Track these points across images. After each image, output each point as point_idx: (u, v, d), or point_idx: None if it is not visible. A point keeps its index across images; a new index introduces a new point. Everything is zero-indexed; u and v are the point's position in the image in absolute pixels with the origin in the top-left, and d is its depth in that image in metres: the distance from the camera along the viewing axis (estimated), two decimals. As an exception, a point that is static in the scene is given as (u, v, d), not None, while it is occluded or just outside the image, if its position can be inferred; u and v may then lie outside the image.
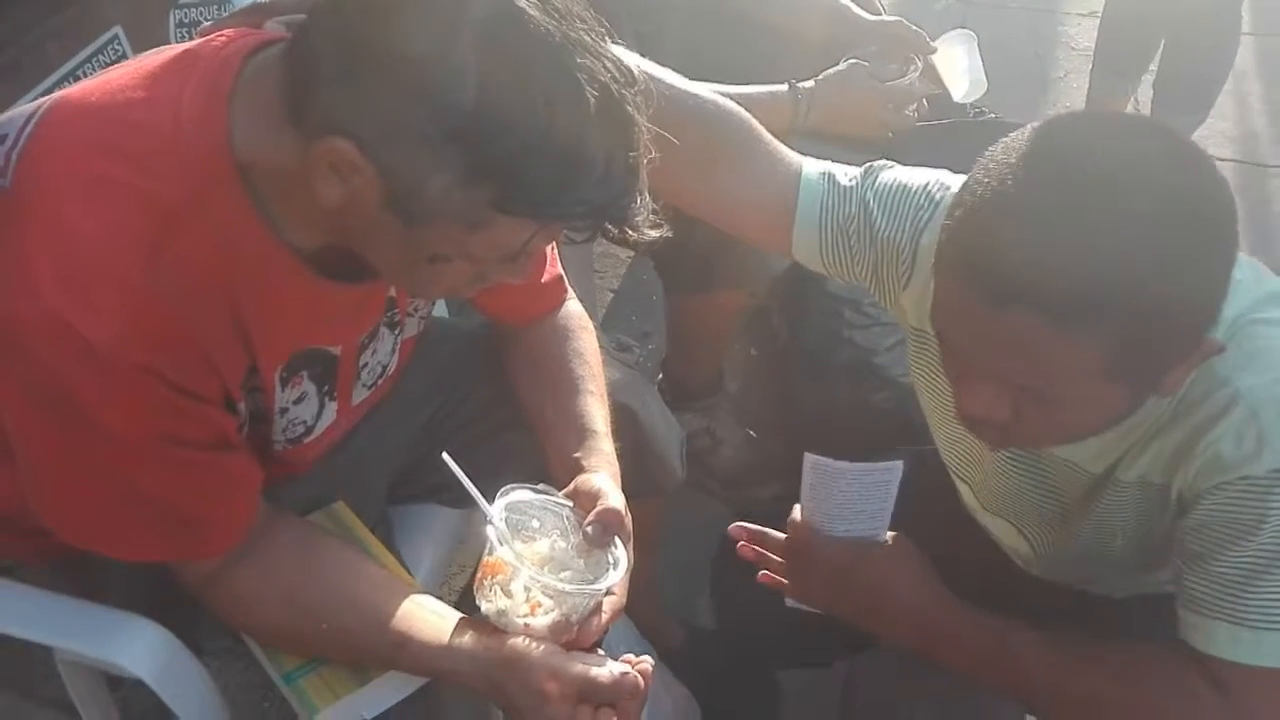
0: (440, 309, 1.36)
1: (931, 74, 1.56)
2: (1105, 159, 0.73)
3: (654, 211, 0.76)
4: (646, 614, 1.35)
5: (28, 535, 0.93)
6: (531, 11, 0.68)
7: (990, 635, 0.90)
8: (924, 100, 1.52)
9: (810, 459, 0.92)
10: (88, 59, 1.84)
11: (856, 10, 1.63)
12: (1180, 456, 0.84)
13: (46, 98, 0.79)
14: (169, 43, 0.98)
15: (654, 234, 0.77)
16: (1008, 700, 0.96)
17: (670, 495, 1.28)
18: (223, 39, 0.79)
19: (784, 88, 1.43)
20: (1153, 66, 2.29)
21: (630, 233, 0.76)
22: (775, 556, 0.99)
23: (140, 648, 0.91)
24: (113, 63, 1.84)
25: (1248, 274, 0.83)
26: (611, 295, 2.14)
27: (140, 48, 1.65)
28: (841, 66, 1.46)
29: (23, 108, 0.79)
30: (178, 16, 1.99)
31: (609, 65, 0.70)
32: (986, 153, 0.79)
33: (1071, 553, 0.99)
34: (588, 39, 0.70)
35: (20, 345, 0.73)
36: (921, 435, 1.25)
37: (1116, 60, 2.31)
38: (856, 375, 1.59)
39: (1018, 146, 0.76)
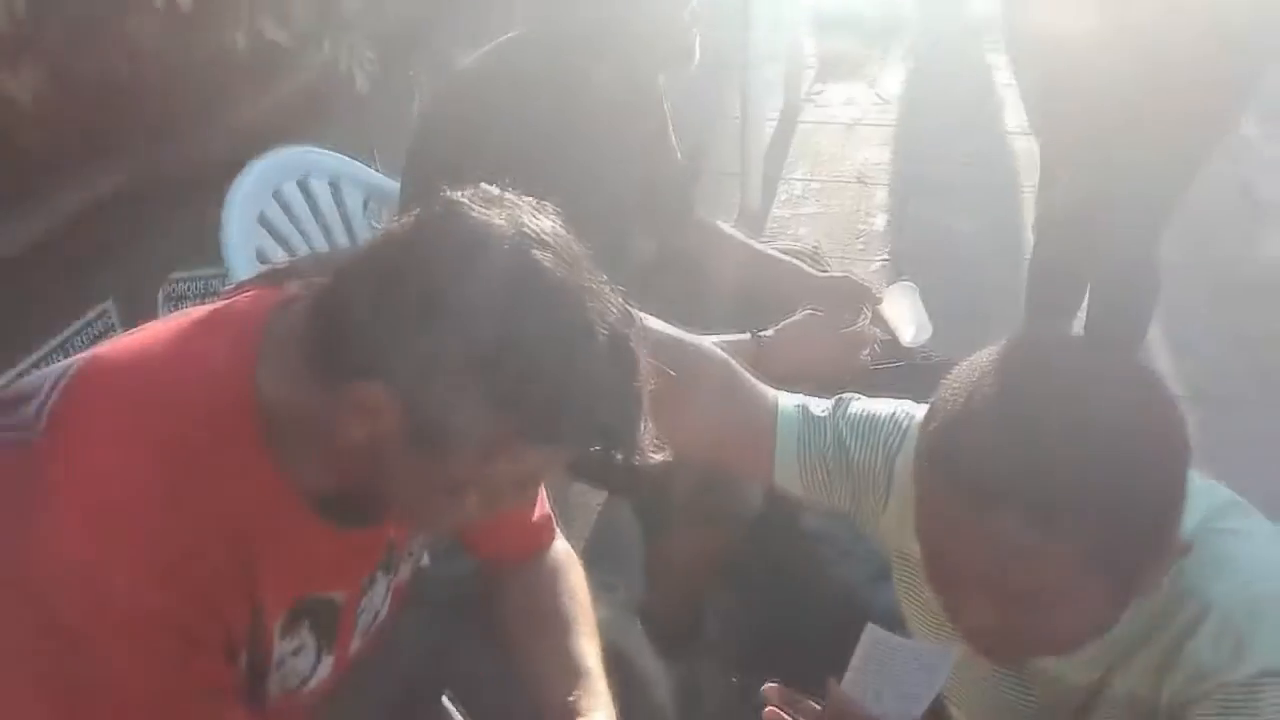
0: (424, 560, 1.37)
1: (880, 322, 1.69)
2: (1067, 369, 0.82)
3: (656, 437, 0.82)
4: None
5: None
6: (546, 263, 0.76)
7: None
8: (875, 345, 1.64)
9: (871, 631, 0.94)
10: (77, 332, 1.92)
11: (808, 269, 1.79)
12: (1164, 669, 0.87)
13: (78, 356, 0.84)
14: (159, 317, 1.04)
15: (659, 456, 0.82)
16: None
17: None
18: (249, 297, 0.86)
19: (746, 336, 1.54)
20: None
21: (638, 456, 0.81)
22: None
23: None
24: (103, 335, 1.93)
25: (1200, 486, 0.90)
26: (583, 543, 2.15)
27: (130, 322, 1.74)
28: (798, 316, 1.58)
29: (54, 366, 0.84)
30: (167, 290, 2.10)
31: (613, 307, 0.78)
32: (954, 371, 0.86)
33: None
34: (594, 285, 0.78)
35: (35, 592, 0.74)
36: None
37: (1046, 304, 2.48)
38: (838, 611, 1.60)
39: (982, 364, 0.84)
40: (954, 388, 0.84)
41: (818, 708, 0.98)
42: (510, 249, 0.76)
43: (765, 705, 1.01)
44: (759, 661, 1.71)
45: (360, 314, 0.77)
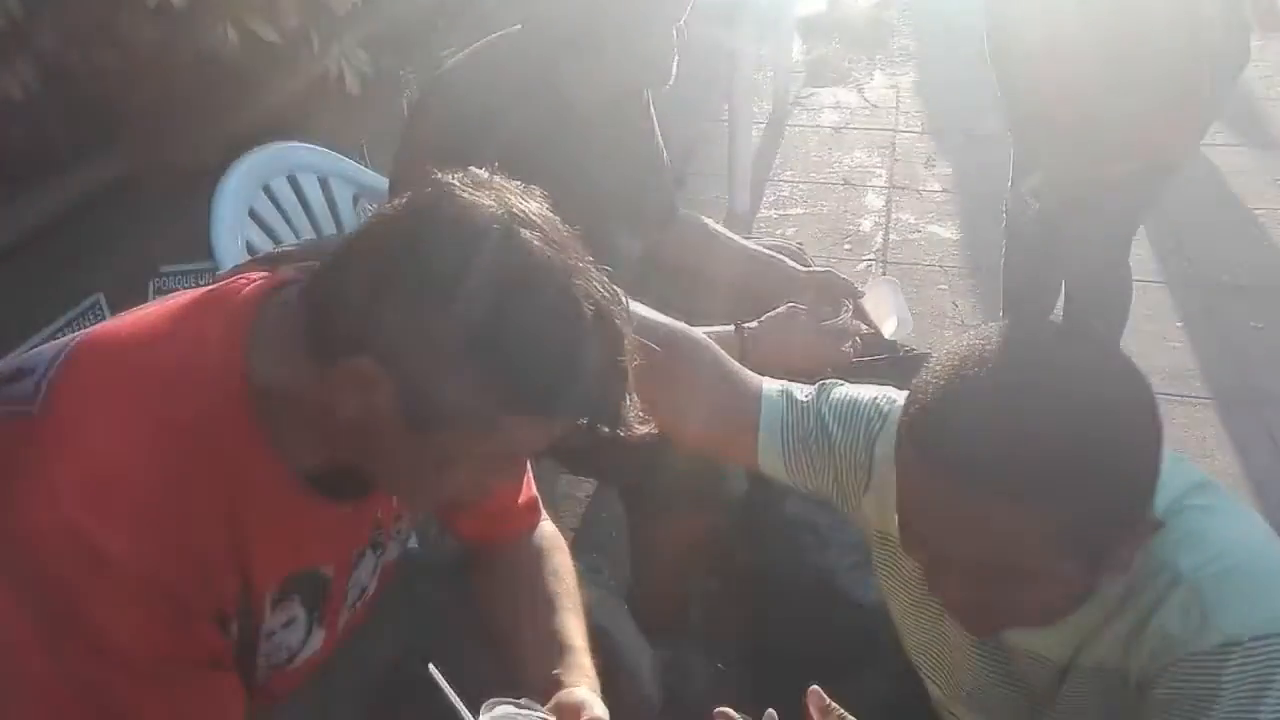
0: (411, 542, 1.39)
1: (862, 316, 1.71)
2: (1041, 355, 0.84)
3: (640, 410, 0.84)
4: None
5: None
6: (535, 242, 0.79)
7: None
8: (857, 339, 1.67)
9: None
10: (69, 323, 1.93)
11: (791, 264, 1.82)
12: (1132, 640, 0.89)
13: (75, 334, 0.86)
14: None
15: (643, 429, 0.85)
16: None
17: (645, 722, 1.27)
18: (242, 279, 0.88)
19: (730, 328, 1.56)
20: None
21: (622, 430, 0.83)
22: None
23: None
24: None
25: (1173, 467, 0.92)
26: (571, 534, 2.18)
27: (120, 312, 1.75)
28: (781, 310, 1.61)
29: (51, 344, 0.86)
30: (157, 284, 2.12)
31: (599, 286, 0.81)
32: (935, 357, 0.89)
33: (1046, 745, 1.01)
34: (580, 264, 0.81)
35: (31, 558, 0.75)
36: (888, 653, 1.28)
37: (1022, 305, 2.52)
38: (819, 598, 1.62)
39: (961, 349, 0.86)
40: (934, 371, 0.87)
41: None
42: (499, 229, 0.78)
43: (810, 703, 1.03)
44: (743, 647, 1.74)
45: (352, 292, 0.79)
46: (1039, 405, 0.80)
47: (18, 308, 1.82)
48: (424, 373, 0.78)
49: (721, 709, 1.03)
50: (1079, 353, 0.85)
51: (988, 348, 0.86)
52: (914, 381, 0.89)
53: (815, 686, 1.05)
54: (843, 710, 1.05)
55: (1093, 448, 0.80)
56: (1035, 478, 0.79)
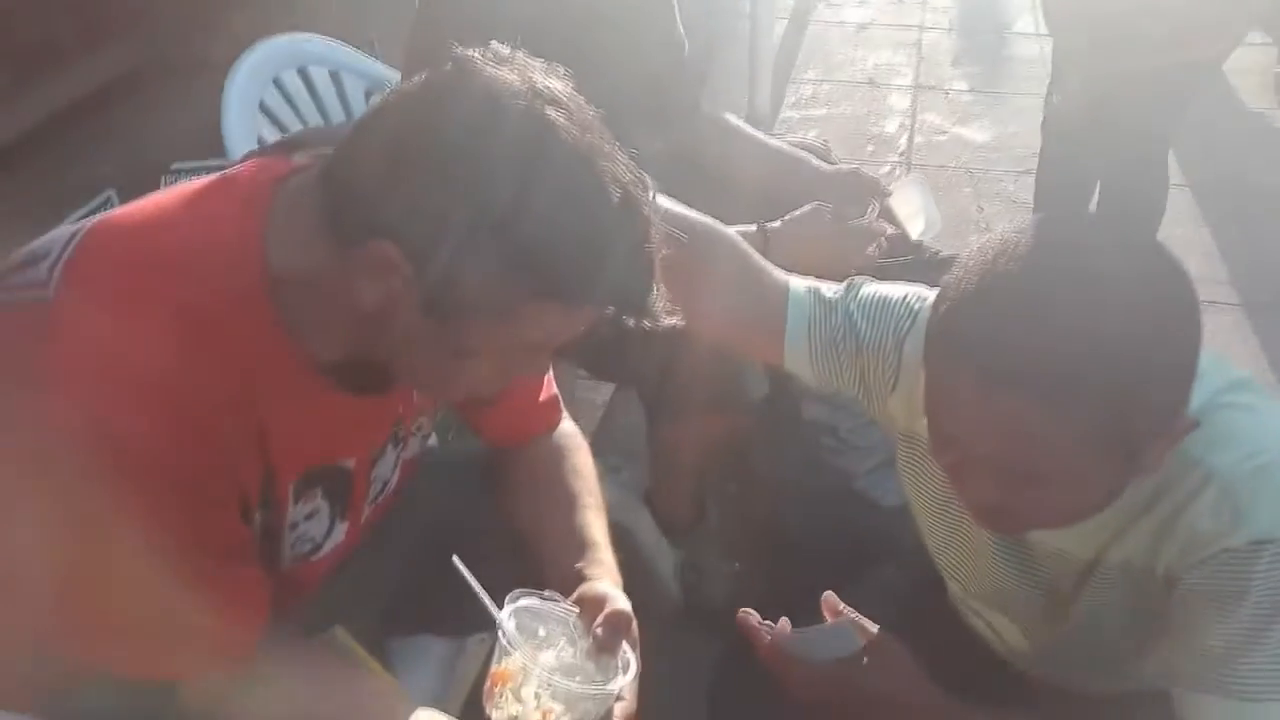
0: (431, 440, 1.39)
1: (888, 216, 1.67)
2: (1078, 248, 0.81)
3: (668, 300, 0.82)
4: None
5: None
6: (560, 120, 0.75)
7: None
8: (883, 240, 1.63)
9: (780, 635, 1.01)
10: (81, 218, 1.91)
11: (816, 161, 1.77)
12: (1161, 537, 0.88)
13: (87, 219, 0.84)
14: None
15: (670, 321, 0.83)
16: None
17: (665, 618, 1.28)
18: (257, 164, 0.85)
19: (752, 227, 1.53)
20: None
21: (648, 321, 0.81)
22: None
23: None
24: (106, 223, 1.92)
25: (1211, 364, 0.90)
26: (589, 440, 2.18)
27: (133, 207, 1.73)
28: (805, 209, 1.57)
29: (62, 229, 0.84)
30: (169, 182, 2.08)
31: (625, 168, 0.78)
32: (966, 253, 0.86)
33: (1067, 639, 1.01)
34: (606, 147, 0.77)
35: (50, 446, 0.74)
36: (905, 555, 1.28)
37: (1054, 205, 2.48)
38: (837, 500, 1.63)
39: (995, 244, 0.83)
40: (966, 267, 0.84)
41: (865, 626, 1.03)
42: (524, 106, 0.75)
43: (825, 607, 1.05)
44: (761, 549, 1.75)
45: (370, 174, 0.76)
46: (1074, 300, 0.78)
47: (27, 202, 1.79)
48: (443, 257, 0.75)
49: (744, 610, 1.04)
50: (1117, 246, 0.82)
51: (1022, 241, 0.82)
52: (945, 278, 0.86)
53: (830, 592, 1.06)
54: (857, 614, 1.06)
55: (1130, 345, 0.77)
56: (1069, 377, 0.77)
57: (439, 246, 0.75)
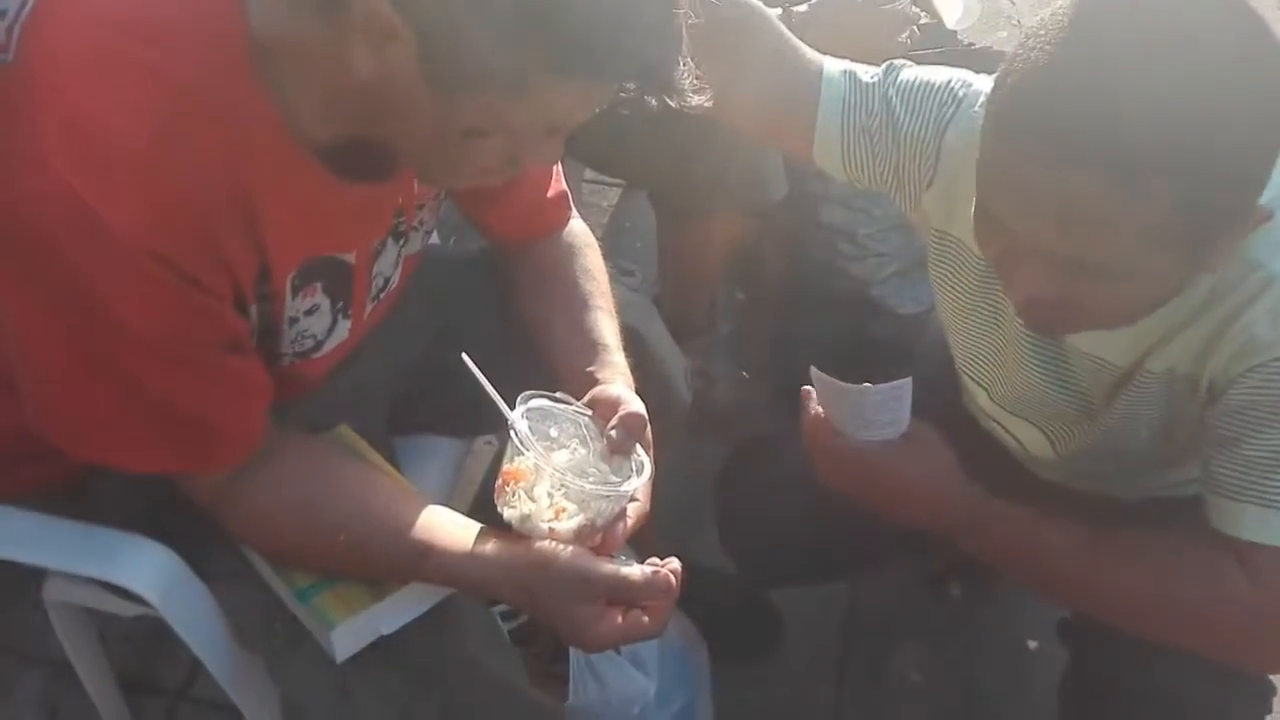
0: (434, 238, 1.33)
1: (923, 2, 1.55)
2: (1168, 18, 0.71)
3: (697, 77, 0.74)
4: (645, 551, 1.33)
5: (23, 462, 0.89)
6: None
7: (1019, 524, 0.89)
8: (915, 28, 1.51)
9: (816, 375, 0.91)
10: None
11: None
12: (1212, 343, 0.84)
13: None
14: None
15: (697, 99, 0.75)
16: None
17: (676, 422, 1.26)
18: None
19: (777, 11, 1.41)
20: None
21: (674, 98, 0.73)
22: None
23: (145, 567, 0.88)
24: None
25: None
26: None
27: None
28: (834, -10, 1.45)
29: (18, -15, 0.74)
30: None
31: None
32: (1035, 21, 0.76)
33: (1093, 449, 0.99)
34: None
35: (29, 231, 0.69)
36: (922, 365, 1.24)
37: None
38: (854, 307, 1.58)
39: (1069, 11, 0.74)
40: (1034, 39, 0.75)
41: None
42: None
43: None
44: (774, 356, 1.72)
45: None
46: (1150, 78, 0.70)
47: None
48: (448, 20, 0.66)
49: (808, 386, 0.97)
50: (1208, 9, 0.72)
51: (1101, 4, 0.73)
52: (1011, 51, 0.77)
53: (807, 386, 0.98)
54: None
55: (1208, 128, 0.70)
56: (1141, 161, 0.70)
57: (441, 8, 0.66)
